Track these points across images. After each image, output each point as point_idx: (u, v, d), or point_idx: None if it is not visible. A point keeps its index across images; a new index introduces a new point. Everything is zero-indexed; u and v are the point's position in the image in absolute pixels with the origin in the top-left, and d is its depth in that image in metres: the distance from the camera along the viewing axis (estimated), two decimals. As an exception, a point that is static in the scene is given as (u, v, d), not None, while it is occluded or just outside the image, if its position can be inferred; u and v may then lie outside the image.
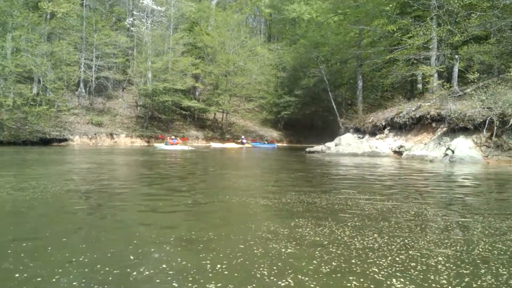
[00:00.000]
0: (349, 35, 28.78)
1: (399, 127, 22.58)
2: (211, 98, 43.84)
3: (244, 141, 39.73)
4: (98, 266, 3.28)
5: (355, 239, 4.15)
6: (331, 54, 33.93)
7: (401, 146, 20.82)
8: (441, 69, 23.10)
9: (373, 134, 24.10)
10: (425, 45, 24.28)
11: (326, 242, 4.03)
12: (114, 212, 5.57)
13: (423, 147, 19.73)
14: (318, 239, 4.15)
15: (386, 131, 23.30)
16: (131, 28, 42.22)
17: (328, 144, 25.40)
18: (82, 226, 4.74)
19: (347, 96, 44.93)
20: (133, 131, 38.51)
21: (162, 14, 43.69)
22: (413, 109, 22.11)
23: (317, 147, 25.51)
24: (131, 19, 42.40)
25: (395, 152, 21.12)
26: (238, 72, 43.61)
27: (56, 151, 23.93)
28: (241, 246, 3.88)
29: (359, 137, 25.08)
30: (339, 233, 4.39)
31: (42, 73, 32.58)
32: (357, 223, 4.86)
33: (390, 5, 25.11)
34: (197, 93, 46.61)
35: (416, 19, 26.36)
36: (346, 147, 23.61)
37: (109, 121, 38.42)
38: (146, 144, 37.57)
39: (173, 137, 33.80)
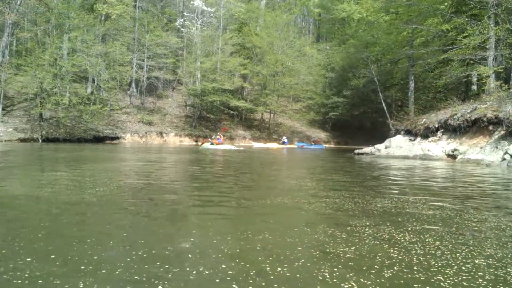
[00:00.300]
0: (402, 34, 28.06)
1: (453, 130, 21.84)
2: (259, 98, 44.02)
3: (286, 141, 39.62)
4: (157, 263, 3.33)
5: (416, 245, 4.01)
6: (382, 54, 33.25)
7: (455, 150, 20.12)
8: (500, 70, 22.14)
9: (425, 136, 23.42)
10: (481, 45, 23.35)
11: (386, 246, 3.93)
12: (174, 208, 5.65)
13: (478, 150, 19.00)
14: (377, 243, 4.05)
15: (439, 133, 22.60)
16: (182, 29, 42.94)
17: (377, 146, 24.91)
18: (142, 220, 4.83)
19: (397, 97, 43.94)
20: (182, 130, 39.21)
21: (212, 15, 44.26)
22: (468, 111, 21.33)
23: (366, 149, 25.07)
24: (182, 20, 43.14)
25: (448, 155, 20.44)
26: (286, 72, 43.59)
27: (110, 148, 24.69)
28: (299, 248, 3.84)
29: (410, 139, 24.44)
30: (398, 238, 4.26)
31: (96, 73, 33.69)
32: (416, 228, 4.71)
33: (445, 4, 24.29)
34: (244, 93, 46.87)
35: (472, 18, 25.44)
36: (397, 149, 23.07)
37: (159, 120, 39.32)
38: (194, 143, 38.15)
39: (218, 136, 33.38)
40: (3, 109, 31.56)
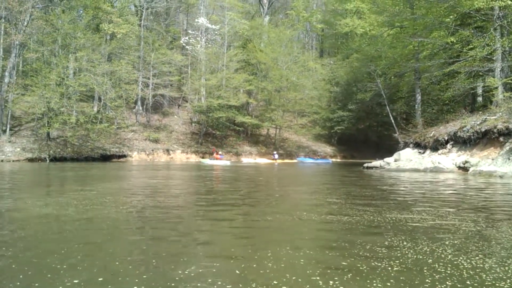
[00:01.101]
0: (408, 48, 28.12)
1: (463, 142, 21.72)
2: (264, 114, 44.09)
3: (276, 156, 39.54)
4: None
5: (460, 259, 3.95)
6: (388, 68, 33.31)
7: (466, 162, 19.98)
8: (510, 81, 22.11)
9: (434, 149, 23.30)
10: (488, 57, 23.36)
11: (430, 261, 3.86)
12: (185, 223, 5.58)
13: (490, 162, 18.86)
14: (420, 257, 3.98)
15: (448, 146, 22.47)
16: (187, 47, 43.19)
17: (387, 159, 24.78)
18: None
19: (402, 110, 43.91)
20: (188, 147, 39.20)
21: (216, 32, 44.54)
22: (478, 122, 21.23)
23: (376, 163, 24.94)
24: (187, 38, 43.41)
25: (459, 167, 20.30)
26: (291, 87, 43.74)
27: (118, 166, 24.67)
28: (344, 263, 3.77)
29: (419, 152, 24.30)
30: (440, 252, 4.19)
31: (103, 91, 33.79)
32: (455, 242, 4.64)
33: (450, 16, 24.38)
34: (250, 109, 46.94)
35: (478, 30, 25.50)
36: (407, 162, 22.95)
37: (165, 137, 39.34)
38: (201, 159, 38.10)
39: (220, 152, 35.20)
40: (10, 129, 31.63)
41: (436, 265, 3.72)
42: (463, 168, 19.94)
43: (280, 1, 65.66)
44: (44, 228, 5.49)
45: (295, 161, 39.90)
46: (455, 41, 24.87)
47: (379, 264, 3.73)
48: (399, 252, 4.15)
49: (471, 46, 24.08)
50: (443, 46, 25.91)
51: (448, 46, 25.45)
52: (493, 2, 21.70)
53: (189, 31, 44.86)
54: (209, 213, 6.96)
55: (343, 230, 5.35)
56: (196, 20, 44.07)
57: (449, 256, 4.02)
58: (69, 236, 4.88)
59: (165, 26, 47.56)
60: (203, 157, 38.39)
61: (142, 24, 41.79)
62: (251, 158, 38.80)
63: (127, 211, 6.76)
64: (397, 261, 3.82)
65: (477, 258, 3.97)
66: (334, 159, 45.20)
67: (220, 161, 32.57)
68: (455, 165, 20.67)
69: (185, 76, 44.22)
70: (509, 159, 18.15)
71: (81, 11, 38.19)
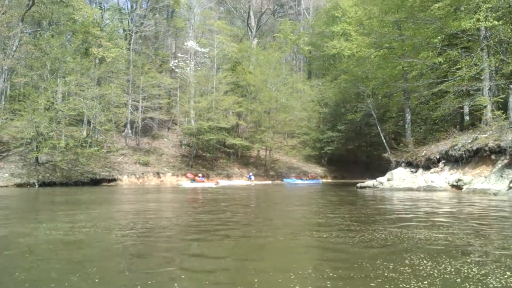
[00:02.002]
0: (397, 68, 28.48)
1: (455, 160, 21.89)
2: (254, 136, 44.09)
3: (252, 177, 39.23)
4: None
5: (490, 278, 3.89)
6: (378, 88, 33.64)
7: (459, 180, 20.10)
8: (500, 99, 22.46)
9: (427, 168, 23.43)
10: (476, 76, 23.72)
11: (459, 281, 3.80)
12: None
13: (483, 180, 19.02)
14: (447, 277, 3.93)
15: (441, 164, 22.63)
16: (176, 70, 43.30)
17: (380, 179, 24.85)
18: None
19: (391, 130, 44.26)
20: (178, 170, 38.93)
21: (205, 55, 44.75)
22: (469, 141, 21.46)
23: (369, 182, 24.98)
24: (176, 61, 43.56)
25: (452, 186, 20.40)
26: (281, 109, 43.89)
27: (109, 190, 24.34)
28: (373, 284, 3.68)
29: (411, 171, 24.42)
30: (466, 271, 4.15)
31: (92, 115, 33.56)
32: (476, 259, 4.59)
33: (438, 37, 24.80)
34: (239, 131, 46.94)
35: (465, 50, 25.97)
36: (400, 181, 23.03)
37: (155, 160, 39.06)
38: (217, 182, 37.73)
39: (200, 175, 35.23)
40: (-2, 155, 31.16)
41: (467, 285, 3.65)
42: (456, 187, 20.04)
43: (267, 24, 66.42)
44: (52, 254, 5.32)
45: (281, 182, 39.55)
46: (442, 61, 25.25)
47: (407, 285, 3.66)
48: (424, 272, 4.09)
49: (459, 66, 24.48)
50: (431, 66, 26.28)
51: (436, 66, 25.83)
52: (480, 23, 22.15)
53: (179, 54, 45.02)
54: (212, 237, 6.82)
55: (359, 250, 5.27)
56: (186, 43, 44.29)
57: (478, 275, 3.97)
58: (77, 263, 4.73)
59: (154, 49, 47.67)
60: (193, 181, 38.15)
61: (131, 48, 41.87)
62: (228, 180, 38.44)
63: (121, 236, 6.61)
64: (425, 282, 3.75)
65: (505, 276, 3.91)
66: (324, 180, 45.21)
67: (204, 184, 32.93)
68: (448, 183, 20.77)
69: (175, 99, 44.22)
70: (501, 176, 18.31)
71: (70, 36, 38.16)
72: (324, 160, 49.25)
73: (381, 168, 46.23)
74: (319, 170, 47.61)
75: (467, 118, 29.01)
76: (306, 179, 40.87)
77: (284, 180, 40.77)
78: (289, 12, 67.97)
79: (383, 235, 6.30)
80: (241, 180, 39.16)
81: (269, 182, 40.20)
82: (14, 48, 31.80)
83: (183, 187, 30.72)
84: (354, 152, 49.70)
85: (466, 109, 28.26)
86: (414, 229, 6.98)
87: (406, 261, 4.52)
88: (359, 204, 13.25)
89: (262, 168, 44.41)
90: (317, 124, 49.30)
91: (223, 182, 36.53)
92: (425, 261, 4.50)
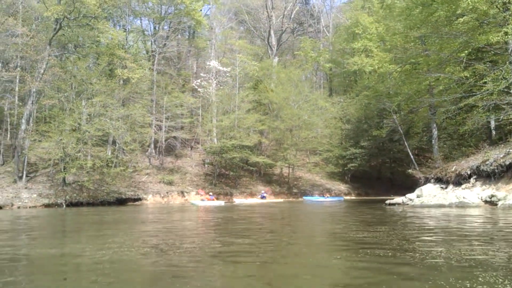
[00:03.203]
0: (424, 84, 28.26)
1: (487, 176, 21.50)
2: (277, 153, 44.07)
3: (265, 195, 38.87)
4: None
5: None
6: (404, 104, 33.35)
7: (493, 196, 19.70)
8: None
9: (457, 183, 23.03)
10: (505, 90, 23.36)
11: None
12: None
13: (519, 195, 18.59)
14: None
15: (472, 180, 22.23)
16: (199, 89, 43.75)
17: (409, 195, 24.50)
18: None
19: (415, 146, 43.75)
20: (202, 189, 38.98)
21: (227, 74, 45.15)
22: (501, 155, 21.09)
23: (398, 199, 24.66)
24: (199, 80, 44.06)
25: (486, 202, 20.01)
26: (303, 126, 43.85)
27: (136, 210, 24.51)
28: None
29: (441, 187, 24.03)
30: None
31: (118, 135, 33.95)
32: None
33: (465, 51, 24.61)
34: (262, 149, 46.97)
35: (491, 64, 25.67)
36: (430, 198, 22.65)
37: (179, 179, 39.25)
38: (226, 201, 37.75)
39: (210, 193, 35.76)
40: (26, 176, 31.63)
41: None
42: (490, 202, 19.64)
43: (287, 42, 66.79)
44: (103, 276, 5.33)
45: (274, 200, 38.90)
46: (468, 75, 25.00)
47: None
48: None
49: (485, 80, 24.17)
50: (458, 80, 26.02)
51: (462, 81, 25.56)
52: (508, 36, 21.93)
53: (201, 74, 45.53)
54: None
55: (424, 268, 5.15)
56: (208, 63, 44.80)
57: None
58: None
59: (176, 70, 48.30)
60: (217, 198, 38.17)
61: (154, 68, 42.52)
62: (243, 199, 38.17)
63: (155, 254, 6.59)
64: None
65: None
66: (348, 197, 44.77)
67: (213, 202, 33.28)
68: (481, 199, 20.38)
69: (197, 118, 44.60)
70: (538, 191, 17.88)
71: (96, 58, 38.90)
72: (347, 177, 48.82)
73: (406, 184, 45.61)
74: (342, 187, 47.19)
75: (493, 132, 28.59)
76: (328, 196, 40.44)
77: (304, 197, 40.35)
78: (309, 30, 68.28)
79: (443, 253, 6.16)
80: (255, 198, 38.77)
81: (281, 200, 39.77)
82: (42, 71, 32.49)
83: (196, 205, 31.29)
84: (377, 168, 49.20)
85: (493, 123, 27.86)
86: (475, 246, 6.81)
87: (480, 278, 4.39)
88: (400, 223, 13.03)
89: (285, 185, 44.24)
90: (340, 141, 49.02)
91: (239, 201, 36.46)
92: (500, 279, 4.37)
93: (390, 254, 6.13)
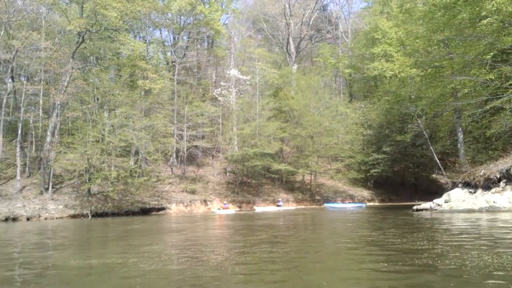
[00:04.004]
0: (449, 87, 27.87)
1: (517, 179, 20.99)
2: (298, 160, 43.92)
3: (281, 203, 38.73)
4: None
5: None
6: (428, 108, 32.88)
7: (525, 199, 19.25)
8: None
9: (486, 188, 22.51)
10: (534, 91, 22.91)
11: None
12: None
13: (552, 198, 18.13)
14: None
15: (502, 184, 21.71)
16: (219, 98, 43.95)
17: (436, 200, 24.07)
18: None
19: (438, 150, 43.20)
20: (225, 197, 39.04)
21: (247, 82, 45.28)
22: (532, 158, 20.61)
23: (425, 205, 24.25)
24: (219, 89, 44.28)
25: (517, 206, 19.54)
26: (324, 132, 43.65)
27: (162, 219, 24.63)
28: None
29: (470, 192, 23.53)
30: None
31: (142, 146, 34.23)
32: None
33: (491, 53, 24.25)
34: (283, 156, 46.87)
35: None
36: (459, 203, 22.22)
37: (202, 188, 39.37)
38: (238, 209, 37.82)
39: (224, 202, 36.32)
40: (52, 187, 32.06)
41: None
42: (522, 206, 19.20)
43: (305, 49, 66.77)
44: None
45: (291, 208, 38.56)
46: (494, 77, 24.61)
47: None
48: None
49: (511, 82, 23.74)
50: (483, 83, 25.63)
51: (488, 83, 25.16)
52: (536, 37, 21.54)
53: (221, 83, 45.75)
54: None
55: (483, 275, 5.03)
56: (228, 71, 45.01)
57: None
58: None
59: (196, 79, 48.64)
60: (240, 207, 38.27)
61: (175, 78, 42.88)
62: (263, 207, 37.93)
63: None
64: None
65: None
66: (372, 203, 44.33)
67: (227, 211, 33.83)
68: (512, 203, 19.91)
69: (218, 127, 44.77)
70: None
71: (118, 69, 39.36)
72: (370, 183, 48.36)
73: (430, 189, 45.10)
74: (365, 193, 46.74)
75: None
76: (350, 202, 40.02)
77: (325, 204, 40.01)
78: (327, 37, 68.15)
79: (496, 260, 6.02)
80: (272, 206, 38.60)
81: (293, 208, 39.49)
82: (66, 84, 33.04)
83: (215, 213, 32.05)
84: (401, 174, 48.59)
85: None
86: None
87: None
88: (434, 228, 12.80)
89: (308, 192, 44.04)
90: (362, 146, 48.63)
91: (259, 209, 36.33)
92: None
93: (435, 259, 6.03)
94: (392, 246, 8.36)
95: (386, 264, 6.12)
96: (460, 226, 12.99)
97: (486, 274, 5.05)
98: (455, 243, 8.16)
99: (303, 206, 40.46)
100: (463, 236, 9.76)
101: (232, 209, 35.08)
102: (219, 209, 34.05)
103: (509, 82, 24.10)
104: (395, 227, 13.83)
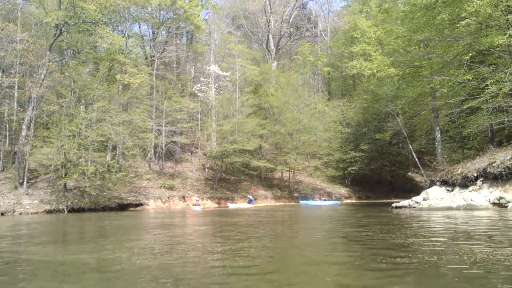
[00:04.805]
0: (428, 86, 28.29)
1: (494, 178, 21.50)
2: (277, 157, 44.01)
3: (252, 199, 37.72)
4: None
5: None
6: (407, 107, 33.34)
7: (501, 198, 19.77)
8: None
9: (464, 186, 23.02)
10: (510, 92, 23.43)
11: None
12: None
13: (527, 197, 18.63)
14: None
15: (479, 182, 22.24)
16: (199, 94, 43.68)
17: (415, 198, 24.48)
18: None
19: (415, 148, 43.88)
20: (203, 193, 38.84)
21: (227, 79, 45.12)
22: (508, 158, 21.12)
23: (404, 202, 24.64)
24: (198, 85, 43.99)
25: (494, 204, 20.06)
26: (303, 130, 43.83)
27: (139, 215, 24.38)
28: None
29: (447, 190, 24.02)
30: None
31: (120, 141, 33.77)
32: None
33: (470, 54, 24.72)
34: (262, 153, 46.89)
35: (494, 67, 25.75)
36: (438, 201, 22.67)
37: (180, 184, 39.07)
38: (217, 205, 37.65)
39: (196, 199, 35.99)
40: (27, 182, 31.38)
41: None
42: (498, 204, 19.71)
43: (284, 47, 66.92)
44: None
45: (261, 205, 38.18)
46: (471, 78, 25.09)
47: None
48: None
49: (488, 82, 24.23)
50: (460, 83, 26.10)
51: (465, 83, 25.63)
52: (512, 39, 22.02)
53: (201, 79, 45.46)
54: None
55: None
56: (208, 67, 44.75)
57: None
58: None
59: (176, 75, 48.22)
60: (218, 203, 38.16)
61: (154, 73, 42.41)
62: (235, 203, 37.63)
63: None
64: None
65: None
66: (349, 200, 44.81)
67: (198, 207, 33.59)
68: (489, 201, 20.43)
69: (197, 123, 44.49)
70: (546, 192, 17.93)
71: (96, 63, 38.66)
72: (347, 180, 48.84)
73: (406, 187, 45.90)
74: (343, 190, 47.16)
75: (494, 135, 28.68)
76: (325, 199, 40.22)
77: (300, 201, 40.16)
78: (306, 35, 68.44)
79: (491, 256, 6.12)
80: (244, 203, 38.15)
81: (267, 204, 39.47)
82: (43, 77, 32.29)
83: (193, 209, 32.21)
84: (377, 172, 49.25)
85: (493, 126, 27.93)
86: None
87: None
88: (417, 226, 12.97)
89: (286, 189, 44.17)
90: (340, 144, 49.04)
91: (232, 206, 36.25)
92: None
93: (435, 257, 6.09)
94: (373, 243, 8.45)
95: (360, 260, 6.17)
96: (439, 223, 13.21)
97: (462, 269, 5.11)
98: (433, 240, 8.27)
99: (281, 203, 40.57)
100: (441, 232, 9.91)
101: (201, 206, 34.53)
102: (194, 205, 33.98)
103: (486, 83, 24.58)
104: (378, 224, 14.00)
